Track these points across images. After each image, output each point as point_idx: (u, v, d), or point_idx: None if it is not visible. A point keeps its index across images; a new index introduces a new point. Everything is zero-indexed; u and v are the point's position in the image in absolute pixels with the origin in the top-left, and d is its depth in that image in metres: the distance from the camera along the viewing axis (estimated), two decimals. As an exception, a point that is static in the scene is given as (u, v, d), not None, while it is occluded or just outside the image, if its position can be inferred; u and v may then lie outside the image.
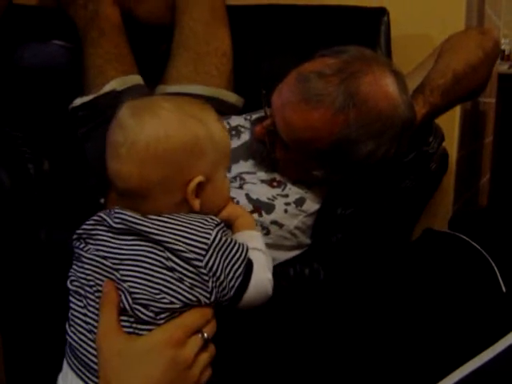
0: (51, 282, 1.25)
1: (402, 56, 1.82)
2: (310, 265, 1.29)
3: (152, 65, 1.88)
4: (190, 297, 0.86)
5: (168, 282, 0.86)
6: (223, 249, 0.89)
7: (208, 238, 0.87)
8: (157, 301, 0.85)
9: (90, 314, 0.88)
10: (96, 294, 0.88)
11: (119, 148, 0.87)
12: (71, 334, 0.90)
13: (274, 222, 1.23)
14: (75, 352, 0.89)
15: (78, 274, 0.92)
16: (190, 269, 0.86)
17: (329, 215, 1.32)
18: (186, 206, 0.90)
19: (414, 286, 1.10)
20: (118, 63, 1.72)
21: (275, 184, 1.28)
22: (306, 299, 1.27)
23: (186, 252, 0.86)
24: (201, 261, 0.86)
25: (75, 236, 0.95)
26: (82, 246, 0.93)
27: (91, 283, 0.89)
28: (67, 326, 0.91)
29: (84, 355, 0.87)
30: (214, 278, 0.87)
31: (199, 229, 0.88)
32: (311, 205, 1.29)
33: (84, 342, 0.88)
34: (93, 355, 0.86)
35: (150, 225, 0.87)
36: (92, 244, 0.92)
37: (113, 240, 0.90)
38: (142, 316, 0.85)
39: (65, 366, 0.92)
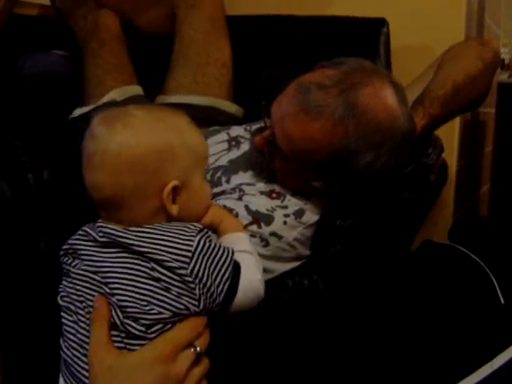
0: (51, 291, 1.24)
1: (401, 66, 1.82)
2: (310, 276, 1.29)
3: (152, 75, 1.89)
4: (179, 305, 0.86)
5: (155, 292, 0.86)
6: (208, 254, 0.88)
7: (191, 245, 0.87)
8: (146, 312, 0.85)
9: (80, 329, 0.88)
10: (86, 310, 0.88)
11: (92, 157, 0.87)
12: (65, 350, 0.90)
13: (273, 234, 1.23)
14: (69, 368, 0.89)
15: (68, 290, 0.91)
16: (176, 277, 0.86)
17: (328, 226, 1.32)
18: (164, 213, 0.90)
19: (412, 298, 1.10)
20: (118, 73, 1.73)
21: (274, 195, 1.28)
22: (306, 311, 1.27)
23: (170, 261, 0.86)
24: (186, 269, 0.86)
25: (62, 252, 0.95)
26: (69, 261, 0.93)
27: (81, 298, 0.89)
28: (61, 341, 0.91)
29: (77, 371, 0.87)
30: (201, 285, 0.87)
31: (181, 236, 0.88)
32: (310, 216, 1.28)
33: (76, 357, 0.88)
34: (85, 370, 0.86)
35: (132, 236, 0.87)
36: (79, 259, 0.92)
37: (98, 254, 0.89)
38: (132, 330, 0.84)
39: (61, 381, 0.92)
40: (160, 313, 0.85)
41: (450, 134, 1.93)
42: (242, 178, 1.34)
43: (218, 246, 0.91)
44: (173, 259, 0.86)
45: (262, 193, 1.29)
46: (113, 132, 0.87)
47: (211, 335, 0.92)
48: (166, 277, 0.86)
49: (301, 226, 1.27)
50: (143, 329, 0.84)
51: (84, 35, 1.78)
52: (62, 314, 0.91)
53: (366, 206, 1.35)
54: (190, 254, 0.86)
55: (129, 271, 0.86)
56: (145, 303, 0.85)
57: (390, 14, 1.84)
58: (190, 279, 0.86)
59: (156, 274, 0.86)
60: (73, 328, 0.89)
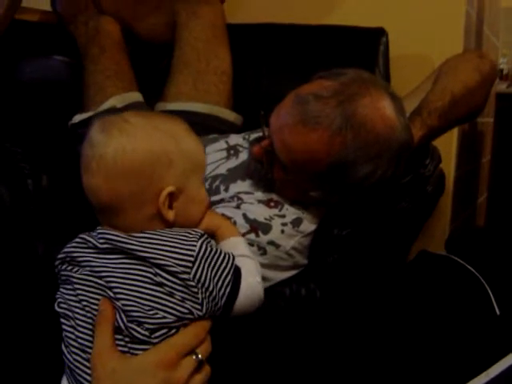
0: (49, 296, 1.24)
1: (400, 76, 1.83)
2: (307, 285, 1.29)
3: (152, 81, 1.89)
4: (182, 310, 0.87)
5: (158, 297, 0.86)
6: (209, 259, 0.90)
7: (193, 250, 0.88)
8: (150, 317, 0.85)
9: (80, 334, 0.89)
10: (88, 315, 0.88)
11: (89, 163, 0.88)
12: (67, 355, 0.90)
13: (271, 243, 1.23)
14: (72, 372, 0.89)
15: (66, 297, 0.92)
16: (179, 282, 0.87)
17: (325, 236, 1.32)
18: (161, 219, 0.91)
19: (408, 307, 1.10)
20: (118, 80, 1.73)
21: (272, 204, 1.29)
22: (303, 319, 1.27)
23: (172, 266, 0.87)
24: (188, 273, 0.87)
25: (58, 261, 0.95)
26: (69, 268, 0.93)
27: (83, 303, 0.89)
28: (63, 346, 0.91)
29: (79, 375, 0.88)
30: (203, 289, 0.88)
31: (183, 242, 0.89)
32: (308, 225, 1.29)
33: (78, 361, 0.88)
34: (87, 374, 0.87)
35: (135, 242, 0.88)
36: (79, 266, 0.92)
37: (99, 260, 0.90)
38: (136, 335, 0.85)
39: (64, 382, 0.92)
40: (164, 317, 0.86)
41: (448, 144, 1.94)
42: (241, 186, 1.35)
43: (219, 251, 0.92)
44: (175, 264, 0.87)
45: (260, 201, 1.29)
46: (109, 138, 0.88)
47: (212, 343, 0.92)
48: (169, 282, 0.87)
49: (298, 235, 1.27)
50: (147, 333, 0.85)
51: (85, 41, 1.78)
52: (62, 320, 0.92)
53: (363, 216, 1.35)
54: (192, 259, 0.87)
55: (132, 276, 0.87)
56: (149, 308, 0.86)
57: (390, 23, 1.84)
58: (192, 283, 0.87)
59: (159, 279, 0.87)
60: (72, 333, 0.90)
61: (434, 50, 1.88)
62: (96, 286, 0.89)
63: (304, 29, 1.93)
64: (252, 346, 1.17)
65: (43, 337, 1.34)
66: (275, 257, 1.24)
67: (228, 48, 1.84)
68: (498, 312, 1.05)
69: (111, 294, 0.87)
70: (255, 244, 1.21)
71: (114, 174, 0.87)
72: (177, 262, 0.87)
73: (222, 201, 1.32)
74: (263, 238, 1.23)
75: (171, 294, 0.87)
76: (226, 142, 1.51)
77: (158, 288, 0.87)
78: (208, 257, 0.89)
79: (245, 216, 1.25)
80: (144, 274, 0.87)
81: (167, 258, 0.87)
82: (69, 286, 0.92)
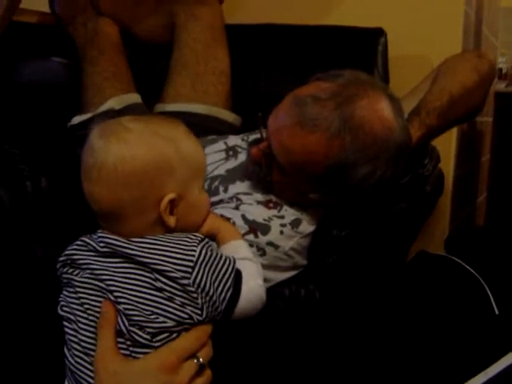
0: (48, 299, 1.24)
1: (399, 76, 1.83)
2: (306, 286, 1.29)
3: (150, 83, 1.89)
4: (182, 315, 0.87)
5: (158, 302, 0.87)
6: (209, 264, 0.89)
7: (193, 256, 0.88)
8: (151, 321, 0.86)
9: (83, 337, 0.89)
10: (90, 318, 0.89)
11: (90, 171, 0.89)
12: (69, 358, 0.91)
13: (270, 243, 1.23)
14: (74, 375, 0.89)
15: (69, 300, 0.92)
16: (178, 287, 0.87)
17: (324, 236, 1.32)
18: (162, 225, 0.91)
19: (407, 308, 1.11)
20: (117, 82, 1.73)
21: (271, 205, 1.29)
22: (302, 320, 1.27)
23: (172, 272, 0.87)
24: (188, 278, 0.87)
25: (60, 263, 0.96)
26: (70, 270, 0.94)
27: (85, 306, 0.90)
28: (65, 349, 0.92)
29: (82, 378, 0.88)
30: (203, 294, 0.88)
31: (183, 247, 0.89)
32: (307, 226, 1.29)
33: (80, 364, 0.89)
34: (89, 377, 0.87)
35: (135, 247, 0.88)
36: (79, 268, 0.92)
37: (99, 263, 0.90)
38: (138, 338, 0.85)
39: None
40: (164, 322, 0.86)
41: (447, 144, 1.94)
42: (240, 187, 1.35)
43: (219, 255, 0.92)
44: (175, 269, 0.87)
45: (258, 202, 1.29)
46: (109, 146, 0.88)
47: (213, 346, 0.92)
48: (168, 287, 0.87)
49: (297, 236, 1.28)
50: (148, 337, 0.85)
51: (83, 43, 1.78)
52: (64, 323, 0.92)
53: (362, 217, 1.35)
54: (192, 264, 0.87)
55: (132, 281, 0.88)
56: (149, 312, 0.86)
57: (388, 24, 1.84)
58: (192, 289, 0.87)
59: (159, 284, 0.87)
60: (75, 337, 0.90)
61: (432, 50, 1.88)
62: (97, 288, 0.89)
63: (302, 29, 1.93)
64: (251, 347, 1.17)
65: (41, 340, 1.34)
66: (274, 257, 1.25)
67: (226, 49, 1.84)
68: (496, 312, 1.06)
69: (112, 298, 0.88)
70: (254, 245, 1.21)
71: (115, 182, 0.87)
72: (176, 267, 0.87)
73: (221, 202, 1.32)
74: (262, 239, 1.23)
75: (171, 299, 0.87)
76: (225, 143, 1.51)
77: (157, 293, 0.87)
78: (208, 262, 0.89)
79: (244, 217, 1.25)
80: (144, 278, 0.87)
81: (167, 264, 0.87)
82: (71, 289, 0.93)
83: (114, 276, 0.88)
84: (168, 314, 0.86)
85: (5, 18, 1.55)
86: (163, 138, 0.91)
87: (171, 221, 0.91)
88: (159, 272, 0.87)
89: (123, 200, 0.88)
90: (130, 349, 0.86)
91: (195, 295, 0.87)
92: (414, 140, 1.28)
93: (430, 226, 1.96)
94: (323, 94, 1.18)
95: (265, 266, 1.22)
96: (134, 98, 1.75)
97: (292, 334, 1.22)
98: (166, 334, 0.87)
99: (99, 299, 0.89)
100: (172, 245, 0.89)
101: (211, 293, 0.88)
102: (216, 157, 1.45)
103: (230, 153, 1.47)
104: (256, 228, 1.23)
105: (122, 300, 0.87)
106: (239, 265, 0.94)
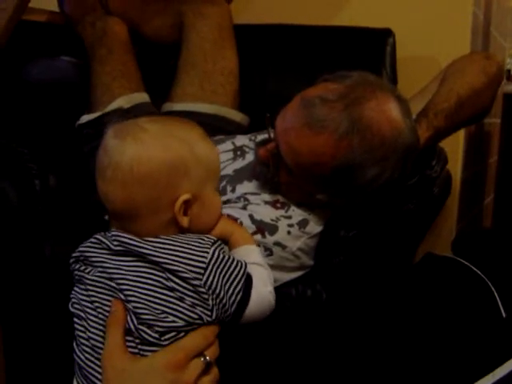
0: (56, 297, 1.25)
1: (407, 77, 1.83)
2: (313, 286, 1.29)
3: (159, 82, 1.90)
4: (192, 315, 0.88)
5: (169, 302, 0.87)
6: (221, 266, 0.90)
7: (205, 257, 0.89)
8: (160, 320, 0.86)
9: (92, 335, 0.90)
10: (100, 316, 0.89)
11: (105, 171, 0.89)
12: (78, 354, 0.91)
13: (277, 244, 1.23)
14: (82, 371, 0.90)
15: (80, 296, 0.93)
16: (190, 288, 0.87)
17: (331, 237, 1.32)
18: (175, 225, 0.92)
19: (414, 309, 1.10)
20: (125, 81, 1.73)
21: (279, 205, 1.29)
22: (308, 320, 1.27)
23: (184, 272, 0.87)
24: (200, 279, 0.87)
25: (73, 259, 0.96)
26: (82, 267, 0.94)
27: (95, 304, 0.90)
28: (74, 345, 0.92)
29: (90, 373, 0.89)
30: (214, 296, 0.89)
31: (196, 248, 0.89)
32: (314, 227, 1.29)
33: (90, 360, 0.89)
34: (97, 373, 0.88)
35: (148, 246, 0.89)
36: (92, 266, 0.93)
37: (112, 261, 0.91)
38: (146, 337, 0.86)
39: None
40: (174, 321, 0.87)
41: (455, 145, 1.94)
42: (247, 187, 1.35)
43: (231, 258, 0.92)
44: (187, 270, 0.87)
45: (266, 202, 1.30)
46: (125, 146, 0.88)
47: (219, 345, 0.93)
48: (180, 287, 0.87)
49: (304, 236, 1.28)
50: (157, 335, 0.86)
51: (92, 42, 1.79)
52: (75, 319, 0.93)
53: (369, 218, 1.35)
54: (204, 266, 0.88)
55: (144, 280, 0.88)
56: (159, 311, 0.86)
57: (396, 25, 1.85)
58: (203, 290, 0.88)
59: (171, 284, 0.87)
60: (84, 333, 0.91)
61: (440, 51, 1.88)
62: (107, 287, 0.90)
63: (310, 29, 1.93)
64: (258, 347, 1.17)
65: (46, 338, 1.35)
66: (281, 258, 1.25)
67: (235, 48, 1.84)
68: (504, 314, 1.05)
69: (122, 297, 0.88)
70: (261, 245, 1.21)
71: (130, 182, 0.87)
72: (189, 268, 0.87)
73: (228, 201, 1.32)
74: (269, 239, 1.23)
75: (182, 299, 0.87)
76: (233, 143, 1.51)
77: (169, 292, 0.87)
78: (220, 264, 0.90)
79: (251, 217, 1.25)
80: (156, 278, 0.88)
81: (179, 264, 0.87)
82: (82, 286, 0.93)
83: (126, 275, 0.89)
84: (178, 314, 0.87)
85: (14, 17, 1.56)
86: (179, 140, 0.91)
87: (185, 221, 0.91)
88: (171, 272, 0.87)
89: (138, 200, 0.88)
90: (139, 347, 0.87)
91: (206, 296, 0.88)
92: (422, 141, 1.27)
93: (438, 227, 1.96)
94: (331, 96, 1.18)
95: (272, 266, 1.22)
96: (143, 97, 1.75)
97: (299, 333, 1.22)
98: (174, 333, 0.87)
99: (109, 298, 0.89)
100: (185, 245, 0.89)
101: (221, 295, 0.89)
102: (224, 157, 1.45)
103: (238, 153, 1.47)
104: (263, 228, 1.24)
105: (132, 298, 0.87)
106: (250, 269, 0.94)
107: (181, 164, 0.90)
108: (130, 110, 1.66)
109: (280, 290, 1.25)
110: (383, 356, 1.01)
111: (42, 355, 1.36)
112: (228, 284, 0.90)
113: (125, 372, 0.85)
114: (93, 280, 0.92)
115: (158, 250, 0.88)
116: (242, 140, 1.53)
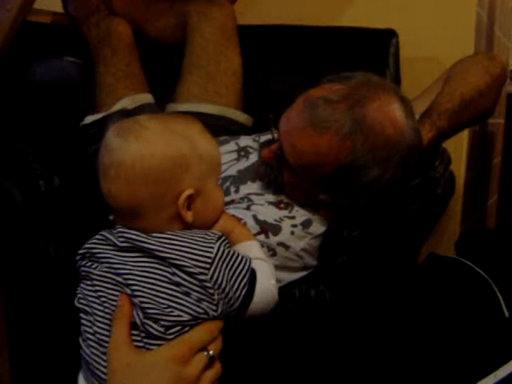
0: (59, 296, 1.25)
1: (410, 77, 1.83)
2: (316, 286, 1.29)
3: (163, 83, 1.90)
4: (198, 310, 0.88)
5: (175, 296, 0.88)
6: (227, 261, 0.91)
7: (211, 252, 0.89)
8: (166, 314, 0.87)
9: (98, 329, 0.91)
10: (106, 310, 0.90)
11: (108, 169, 0.90)
12: (84, 348, 0.92)
13: (281, 244, 1.24)
14: (88, 365, 0.91)
15: (86, 292, 0.94)
16: (196, 283, 0.88)
17: (335, 237, 1.32)
18: (179, 220, 0.92)
19: (417, 309, 1.11)
20: (129, 81, 1.74)
21: (282, 206, 1.29)
22: (312, 320, 1.27)
23: (190, 267, 0.88)
24: (206, 274, 0.88)
25: (79, 256, 0.97)
26: (89, 264, 0.95)
27: (102, 299, 0.91)
28: (80, 340, 0.93)
29: (95, 368, 0.90)
30: (220, 290, 0.89)
31: (202, 243, 0.90)
32: (318, 227, 1.29)
33: (95, 354, 0.90)
34: (103, 367, 0.89)
35: (154, 242, 0.89)
36: (98, 262, 0.94)
37: (118, 257, 0.92)
38: (152, 331, 0.87)
39: (81, 379, 0.95)
40: (179, 316, 0.87)
41: (459, 145, 1.94)
42: (251, 187, 1.35)
43: (236, 253, 0.93)
44: (193, 265, 0.88)
45: (270, 203, 1.30)
46: (126, 144, 0.89)
47: (223, 342, 0.93)
48: (186, 282, 0.88)
49: (308, 237, 1.28)
50: (162, 330, 0.87)
51: (96, 43, 1.79)
52: (81, 315, 0.94)
53: (373, 218, 1.36)
54: (210, 260, 0.89)
55: (150, 275, 0.89)
56: (165, 306, 0.87)
57: (400, 25, 1.85)
58: (209, 285, 0.88)
59: (176, 279, 0.88)
60: (91, 328, 0.91)
61: (444, 52, 1.88)
62: (114, 282, 0.91)
63: (314, 30, 1.93)
64: (262, 347, 1.17)
65: (52, 333, 1.35)
66: (285, 258, 1.25)
67: (239, 49, 1.84)
68: (506, 314, 1.06)
69: (129, 291, 0.89)
70: (265, 245, 1.22)
71: (133, 180, 0.88)
72: (195, 263, 0.88)
73: (232, 202, 1.33)
74: (273, 240, 1.24)
75: (188, 294, 0.88)
76: (237, 144, 1.51)
77: (175, 287, 0.88)
78: (225, 259, 0.91)
79: (255, 217, 1.25)
80: (162, 273, 0.89)
81: (185, 259, 0.88)
82: (88, 282, 0.94)
83: (133, 270, 0.89)
84: (184, 308, 0.88)
85: (19, 18, 1.56)
86: (180, 136, 0.92)
87: (188, 216, 0.92)
88: (177, 267, 0.88)
89: (142, 197, 0.89)
90: (144, 341, 0.87)
91: (212, 291, 0.88)
92: (425, 142, 1.27)
93: (441, 227, 1.96)
94: (335, 96, 1.18)
95: (275, 267, 1.21)
96: (147, 97, 1.76)
97: (302, 334, 1.22)
98: (179, 327, 0.88)
99: (116, 292, 0.90)
100: (191, 241, 0.90)
101: (227, 290, 0.90)
102: (227, 157, 1.46)
103: (242, 153, 1.47)
104: (267, 228, 1.24)
105: (138, 293, 0.88)
106: (253, 264, 0.95)
107: (183, 159, 0.90)
108: (134, 111, 1.67)
109: (283, 290, 1.25)
110: (386, 355, 1.01)
111: (46, 352, 1.37)
112: (234, 278, 0.91)
113: (130, 365, 0.86)
114: (99, 275, 0.93)
115: (163, 245, 0.89)
116: (245, 141, 1.53)
